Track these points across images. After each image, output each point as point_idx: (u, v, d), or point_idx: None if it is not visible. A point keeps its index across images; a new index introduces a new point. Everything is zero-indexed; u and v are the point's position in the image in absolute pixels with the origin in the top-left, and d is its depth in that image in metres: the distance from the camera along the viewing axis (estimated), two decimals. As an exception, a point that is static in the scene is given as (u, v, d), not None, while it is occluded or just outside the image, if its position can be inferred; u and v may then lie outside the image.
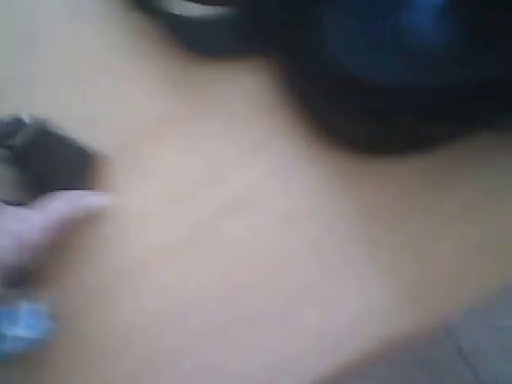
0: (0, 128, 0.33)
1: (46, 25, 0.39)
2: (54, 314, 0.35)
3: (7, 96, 0.38)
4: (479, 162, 0.37)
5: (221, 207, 0.37)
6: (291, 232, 0.37)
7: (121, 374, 0.35)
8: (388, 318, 0.36)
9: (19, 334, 0.33)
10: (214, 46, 0.37)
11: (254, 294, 0.36)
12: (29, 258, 0.32)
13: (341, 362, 0.36)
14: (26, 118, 0.34)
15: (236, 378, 0.35)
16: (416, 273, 0.36)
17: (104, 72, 0.39)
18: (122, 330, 0.35)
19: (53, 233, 0.32)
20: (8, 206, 0.32)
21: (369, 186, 0.37)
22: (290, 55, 0.36)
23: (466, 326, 1.18)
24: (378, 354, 0.37)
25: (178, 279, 0.36)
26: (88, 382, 0.35)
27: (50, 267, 0.36)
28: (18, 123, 0.33)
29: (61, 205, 0.32)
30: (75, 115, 0.37)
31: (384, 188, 0.37)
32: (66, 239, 0.35)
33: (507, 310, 1.20)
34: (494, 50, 0.30)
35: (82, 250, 0.36)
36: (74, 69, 0.39)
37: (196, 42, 0.37)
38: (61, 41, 0.39)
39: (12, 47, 0.38)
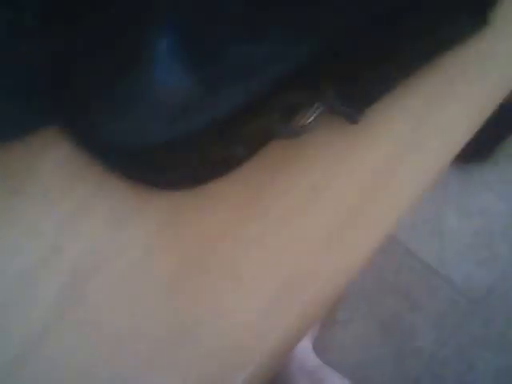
0: None
1: None
2: None
3: None
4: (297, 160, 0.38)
5: (65, 284, 0.36)
6: (145, 279, 0.37)
7: None
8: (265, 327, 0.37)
9: None
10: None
11: (127, 350, 0.36)
12: None
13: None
14: None
15: None
16: (287, 270, 0.37)
17: None
18: None
19: None
20: None
21: (203, 212, 0.37)
22: (66, 122, 0.35)
23: (425, 242, 1.20)
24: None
25: (48, 368, 0.36)
26: None
27: None
28: None
29: None
30: None
31: (217, 209, 0.37)
32: None
33: (457, 219, 1.22)
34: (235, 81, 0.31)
35: None
36: None
37: None
38: None
39: None
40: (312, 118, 0.36)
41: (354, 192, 0.38)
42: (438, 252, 1.21)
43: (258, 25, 0.31)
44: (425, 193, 0.39)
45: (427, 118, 0.40)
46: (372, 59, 0.35)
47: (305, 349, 1.05)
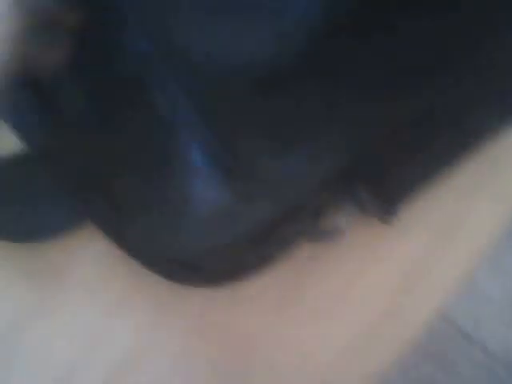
0: None
1: None
2: None
3: None
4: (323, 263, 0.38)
5: (105, 378, 0.37)
6: (189, 373, 0.37)
7: None
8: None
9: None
10: (32, 234, 0.37)
11: None
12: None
13: None
14: None
15: None
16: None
17: None
18: None
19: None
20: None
21: (234, 311, 0.38)
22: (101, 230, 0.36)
23: (459, 306, 1.18)
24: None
25: None
26: None
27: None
28: None
29: None
30: None
31: (250, 308, 0.38)
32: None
33: (490, 279, 1.20)
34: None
35: None
36: None
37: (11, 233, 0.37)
38: None
39: None
40: (344, 220, 0.36)
41: (387, 290, 0.39)
42: (473, 315, 1.19)
43: (284, 140, 0.32)
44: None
45: (463, 211, 0.40)
46: (404, 159, 0.35)
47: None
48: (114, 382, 0.37)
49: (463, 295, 1.19)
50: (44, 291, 0.38)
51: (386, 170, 0.35)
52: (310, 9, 0.30)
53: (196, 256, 0.34)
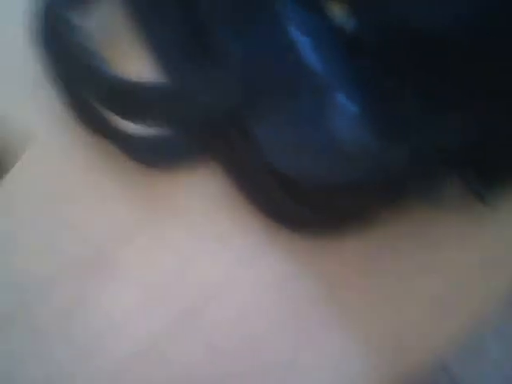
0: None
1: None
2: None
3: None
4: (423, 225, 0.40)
5: (192, 301, 0.40)
6: (263, 315, 0.40)
7: None
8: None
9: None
10: (158, 160, 0.41)
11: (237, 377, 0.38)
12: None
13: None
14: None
15: None
16: (390, 337, 0.38)
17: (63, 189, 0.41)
18: None
19: None
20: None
21: (329, 262, 0.39)
22: (230, 162, 0.40)
23: (460, 362, 1.17)
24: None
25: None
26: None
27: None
28: None
29: None
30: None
31: (343, 262, 0.39)
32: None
33: (499, 344, 1.20)
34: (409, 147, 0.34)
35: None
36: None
37: (141, 156, 0.41)
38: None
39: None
40: (451, 192, 0.38)
41: (461, 272, 0.40)
42: (473, 379, 1.18)
43: (436, 104, 0.34)
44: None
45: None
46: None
47: None
48: (201, 305, 0.39)
49: (471, 358, 1.18)
50: (149, 215, 0.41)
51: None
52: None
53: (325, 191, 0.37)
